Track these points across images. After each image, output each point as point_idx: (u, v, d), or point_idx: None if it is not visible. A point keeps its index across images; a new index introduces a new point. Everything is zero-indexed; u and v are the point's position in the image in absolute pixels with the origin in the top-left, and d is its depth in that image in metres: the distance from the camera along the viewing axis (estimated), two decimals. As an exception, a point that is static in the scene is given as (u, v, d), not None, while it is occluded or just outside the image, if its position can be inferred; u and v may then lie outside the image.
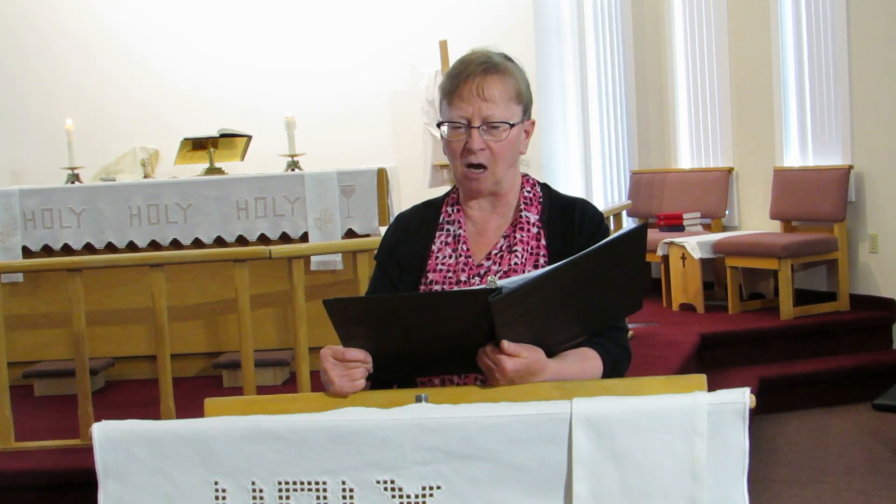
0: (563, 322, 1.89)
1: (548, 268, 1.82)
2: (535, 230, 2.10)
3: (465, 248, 2.11)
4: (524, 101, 2.09)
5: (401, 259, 2.15)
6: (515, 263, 2.06)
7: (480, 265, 2.09)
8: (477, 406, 1.72)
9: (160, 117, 7.57)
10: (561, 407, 1.67)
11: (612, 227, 5.63)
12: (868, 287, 6.27)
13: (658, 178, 7.61)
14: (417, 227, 2.18)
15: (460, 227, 2.14)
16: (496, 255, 2.10)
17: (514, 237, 2.09)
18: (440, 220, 2.16)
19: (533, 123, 2.14)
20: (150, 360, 5.09)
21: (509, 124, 2.05)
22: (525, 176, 2.18)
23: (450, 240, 2.13)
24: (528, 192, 2.15)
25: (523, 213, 2.11)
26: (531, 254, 2.08)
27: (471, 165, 2.06)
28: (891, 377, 5.47)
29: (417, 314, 1.81)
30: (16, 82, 7.75)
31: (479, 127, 2.04)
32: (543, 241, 2.09)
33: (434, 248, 2.13)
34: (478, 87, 2.03)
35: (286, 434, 1.70)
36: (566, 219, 2.11)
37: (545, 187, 2.19)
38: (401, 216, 2.25)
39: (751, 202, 7.11)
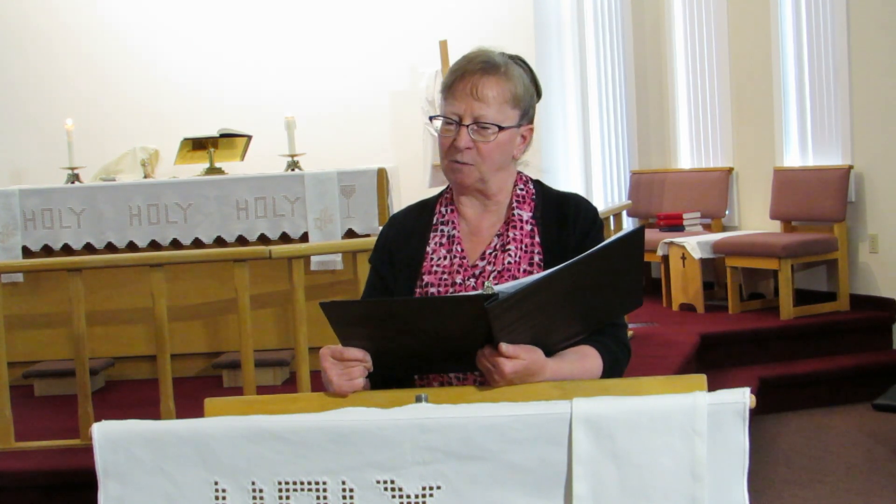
0: (562, 322, 1.89)
1: (544, 273, 1.81)
2: (528, 227, 2.09)
3: (459, 248, 2.10)
4: (522, 105, 2.07)
5: (395, 261, 2.14)
6: (509, 262, 2.06)
7: (475, 266, 2.08)
8: (477, 406, 1.72)
9: (160, 117, 7.57)
10: (561, 407, 1.67)
11: (612, 227, 5.63)
12: (868, 287, 6.26)
13: (658, 178, 7.61)
14: (411, 228, 2.17)
15: (454, 228, 2.13)
16: (490, 254, 2.09)
17: (508, 236, 2.08)
18: (434, 221, 2.15)
19: (532, 129, 2.12)
20: (150, 360, 5.09)
21: (499, 127, 2.03)
22: (518, 173, 2.16)
23: (444, 241, 2.12)
24: (521, 189, 2.14)
25: (516, 212, 2.10)
26: (525, 251, 2.07)
27: (455, 161, 2.06)
28: (891, 377, 5.47)
29: (414, 318, 1.82)
30: (16, 82, 7.75)
31: (468, 125, 2.03)
32: (538, 239, 2.08)
33: (429, 249, 2.12)
34: (472, 86, 2.03)
35: (286, 434, 1.70)
36: (560, 215, 2.10)
37: (538, 184, 2.17)
38: (394, 217, 2.24)
39: (751, 202, 7.11)
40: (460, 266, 2.08)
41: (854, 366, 5.75)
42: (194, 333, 5.43)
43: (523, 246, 2.07)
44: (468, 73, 2.04)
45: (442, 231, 2.13)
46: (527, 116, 2.10)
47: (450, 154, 2.06)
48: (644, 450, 1.64)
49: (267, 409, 1.81)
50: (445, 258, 2.10)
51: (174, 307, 4.80)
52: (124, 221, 5.38)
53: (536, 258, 2.06)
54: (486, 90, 2.03)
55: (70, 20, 7.77)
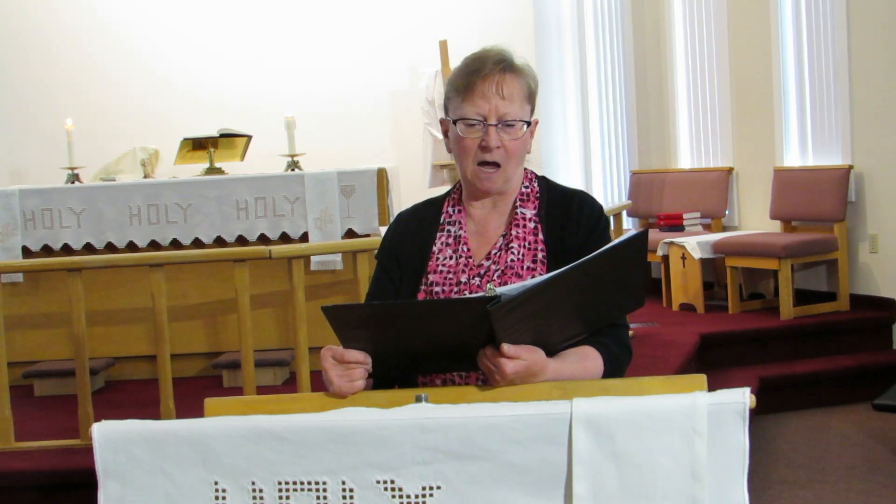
0: (564, 323, 1.89)
1: (546, 276, 1.81)
2: (531, 225, 2.09)
3: (465, 248, 2.10)
4: (533, 100, 2.10)
5: (401, 259, 2.15)
6: (512, 260, 2.06)
7: (480, 265, 2.08)
8: (477, 406, 1.72)
9: (160, 117, 7.57)
10: (561, 407, 1.67)
11: (612, 227, 5.63)
12: (868, 287, 6.26)
13: (658, 178, 7.61)
14: (418, 226, 2.17)
15: (461, 228, 2.13)
16: (495, 254, 2.09)
17: (511, 234, 2.09)
18: (441, 221, 2.16)
19: (537, 122, 2.14)
20: (150, 360, 5.09)
21: (526, 122, 2.05)
22: (525, 170, 2.17)
23: (450, 241, 2.12)
24: (526, 186, 2.14)
25: (519, 210, 2.11)
26: (528, 249, 2.07)
27: (484, 163, 2.05)
28: (891, 377, 5.47)
29: (416, 321, 1.82)
30: (16, 82, 7.75)
31: (496, 125, 2.03)
32: (541, 236, 2.08)
33: (435, 248, 2.13)
34: (497, 85, 2.03)
35: (286, 434, 1.70)
36: (565, 212, 2.10)
37: (543, 180, 2.18)
38: (401, 215, 2.24)
39: (751, 202, 7.11)
40: (466, 265, 2.08)
41: (854, 366, 5.75)
42: (194, 333, 5.43)
43: (526, 244, 2.07)
44: (491, 73, 2.03)
45: (448, 231, 2.14)
46: (534, 111, 2.12)
47: (479, 156, 2.05)
48: (644, 450, 1.64)
49: (267, 409, 1.81)
50: (451, 258, 2.10)
51: (174, 307, 4.80)
52: (124, 221, 5.38)
53: (539, 255, 2.06)
54: (510, 88, 2.03)
55: (70, 20, 7.77)
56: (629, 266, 1.86)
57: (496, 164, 2.05)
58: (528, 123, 2.06)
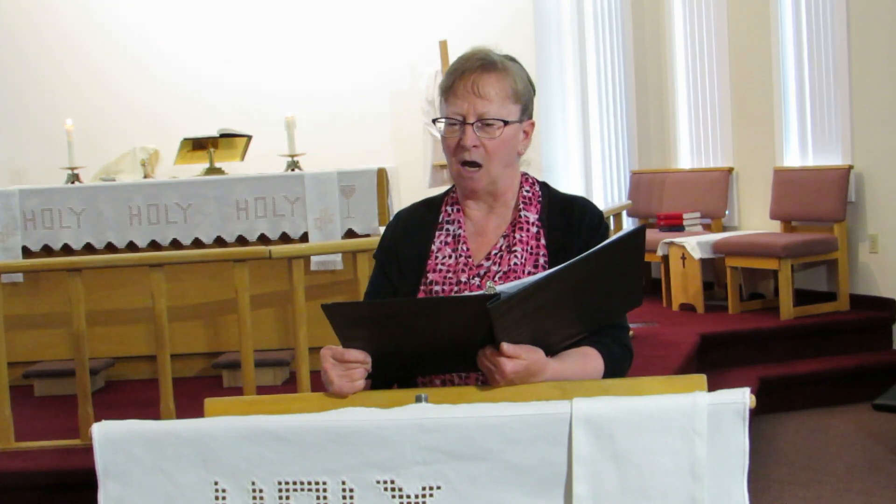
0: (563, 321, 1.89)
1: (545, 273, 1.81)
2: (534, 230, 2.09)
3: (464, 248, 2.10)
4: (522, 101, 2.08)
5: (400, 258, 2.15)
6: (515, 264, 2.06)
7: (480, 265, 2.08)
8: (477, 406, 1.72)
9: (160, 117, 7.57)
10: (561, 407, 1.67)
11: (612, 227, 5.63)
12: (868, 287, 6.26)
13: (658, 178, 7.61)
14: (417, 226, 2.17)
15: (460, 227, 2.13)
16: (496, 255, 2.09)
17: (514, 237, 2.08)
18: (440, 220, 2.16)
19: (533, 124, 2.13)
20: (150, 360, 5.09)
21: (504, 122, 2.04)
22: (524, 175, 2.16)
23: (449, 240, 2.12)
24: (528, 191, 2.14)
25: (522, 213, 2.10)
26: (531, 254, 2.07)
27: (465, 163, 2.05)
28: (891, 377, 5.47)
29: (416, 319, 1.82)
30: (16, 82, 7.75)
31: (473, 124, 2.03)
32: (543, 241, 2.08)
33: (434, 248, 2.12)
34: (473, 84, 2.03)
35: (286, 434, 1.70)
36: (566, 218, 2.10)
37: (544, 186, 2.18)
38: (400, 214, 2.24)
39: (751, 202, 7.11)
40: (465, 265, 2.08)
41: (854, 366, 5.75)
42: (194, 333, 5.43)
43: (529, 248, 2.07)
44: (468, 72, 2.04)
45: (447, 230, 2.13)
46: (527, 112, 2.11)
47: (457, 154, 2.06)
48: (644, 450, 1.64)
49: (267, 409, 1.81)
50: (450, 257, 2.10)
51: (174, 307, 4.80)
52: (124, 221, 5.38)
53: (542, 260, 2.06)
54: (488, 87, 2.03)
55: (70, 20, 7.77)
56: (627, 262, 1.86)
57: (477, 164, 2.05)
58: (508, 123, 2.04)
